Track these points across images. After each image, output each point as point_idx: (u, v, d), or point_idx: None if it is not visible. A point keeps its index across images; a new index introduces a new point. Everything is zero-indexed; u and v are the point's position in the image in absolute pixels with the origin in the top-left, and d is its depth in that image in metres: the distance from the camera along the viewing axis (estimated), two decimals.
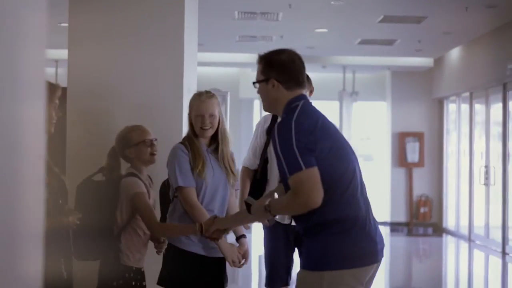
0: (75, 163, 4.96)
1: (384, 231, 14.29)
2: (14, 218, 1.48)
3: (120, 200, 4.12)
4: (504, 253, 10.92)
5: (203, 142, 4.19)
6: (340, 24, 10.95)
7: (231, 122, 11.39)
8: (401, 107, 14.85)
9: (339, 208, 3.11)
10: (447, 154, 14.21)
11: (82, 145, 5.01)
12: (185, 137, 4.22)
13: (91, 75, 5.10)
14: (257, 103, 15.50)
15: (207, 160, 4.13)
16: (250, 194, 4.91)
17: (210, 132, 4.17)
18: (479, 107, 12.40)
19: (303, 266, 3.21)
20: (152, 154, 4.22)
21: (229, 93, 9.56)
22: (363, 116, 15.95)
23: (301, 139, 3.06)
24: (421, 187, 14.69)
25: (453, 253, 12.47)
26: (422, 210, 14.57)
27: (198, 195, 4.08)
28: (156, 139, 4.26)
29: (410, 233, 14.13)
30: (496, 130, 11.58)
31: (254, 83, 3.33)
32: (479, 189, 12.17)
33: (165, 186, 4.37)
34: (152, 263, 4.45)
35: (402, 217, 14.75)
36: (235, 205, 4.39)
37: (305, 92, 4.82)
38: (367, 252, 3.15)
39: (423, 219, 14.55)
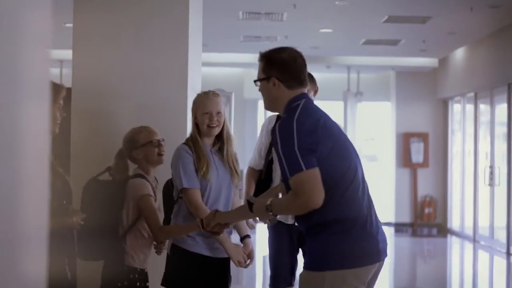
0: (79, 163, 4.96)
1: (389, 231, 14.27)
2: (19, 218, 1.48)
3: (127, 201, 4.12)
4: (508, 254, 10.90)
5: (207, 142, 4.18)
6: (344, 24, 10.95)
7: (235, 122, 11.40)
8: (405, 108, 14.83)
9: (339, 208, 3.10)
10: (452, 154, 14.20)
11: (86, 145, 5.01)
12: (188, 138, 4.21)
13: (95, 76, 5.10)
14: (262, 104, 15.39)
15: (211, 161, 4.13)
16: (255, 194, 4.91)
17: (217, 131, 4.16)
18: (483, 108, 12.38)
19: (305, 266, 3.21)
20: (160, 155, 4.23)
21: (233, 93, 9.58)
22: (368, 117, 15.93)
23: (303, 139, 3.05)
24: (425, 188, 14.67)
25: (458, 254, 12.45)
26: (426, 210, 14.55)
27: (202, 196, 4.08)
28: (163, 140, 4.26)
29: (414, 234, 14.11)
30: (501, 130, 11.56)
31: (255, 81, 3.32)
32: (483, 190, 12.15)
33: (168, 187, 4.37)
34: (154, 264, 4.45)
35: (406, 218, 14.74)
36: (239, 205, 4.38)
37: (308, 90, 4.85)
38: (368, 252, 3.15)
39: (428, 220, 14.53)
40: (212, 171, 4.10)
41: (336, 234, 3.10)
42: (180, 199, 4.13)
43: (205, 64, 9.46)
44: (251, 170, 5.19)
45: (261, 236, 11.86)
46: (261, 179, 5.09)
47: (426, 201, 14.58)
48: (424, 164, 14.65)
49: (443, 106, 14.63)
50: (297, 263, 5.02)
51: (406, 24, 10.63)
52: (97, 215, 4.04)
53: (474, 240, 12.53)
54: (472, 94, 12.82)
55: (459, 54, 13.19)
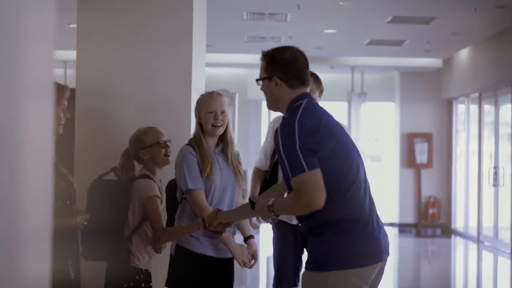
0: (83, 164, 4.97)
1: (393, 232, 14.26)
2: (22, 218, 1.48)
3: (133, 201, 4.12)
4: None
5: (210, 142, 4.18)
6: (348, 25, 10.94)
7: (239, 123, 11.40)
8: (409, 108, 14.82)
9: (341, 208, 3.10)
10: (456, 155, 14.18)
11: (90, 145, 5.01)
12: (191, 139, 4.21)
13: (99, 76, 5.10)
14: (265, 104, 15.45)
15: (215, 162, 4.13)
16: (260, 194, 4.92)
17: (221, 130, 4.16)
18: (488, 108, 12.37)
19: (307, 266, 3.20)
20: (166, 156, 4.23)
21: (237, 94, 9.58)
22: (372, 117, 15.92)
23: (304, 140, 3.04)
24: (429, 188, 14.65)
25: (462, 254, 12.43)
26: (430, 211, 14.54)
27: (206, 197, 4.08)
28: (169, 140, 4.27)
29: (418, 234, 14.10)
30: (505, 131, 11.55)
31: (257, 80, 3.31)
32: (488, 190, 12.14)
33: (171, 187, 4.37)
34: (156, 264, 4.46)
35: (410, 218, 14.72)
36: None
37: (313, 91, 4.85)
38: (370, 252, 3.15)
39: (432, 220, 14.52)
40: (216, 171, 4.10)
41: (338, 234, 3.10)
42: (184, 200, 4.13)
43: (209, 64, 9.47)
44: (257, 170, 5.21)
45: (264, 236, 11.85)
46: (267, 179, 5.11)
47: (430, 202, 14.57)
48: (428, 164, 14.63)
49: (447, 107, 14.61)
50: (301, 264, 5.02)
51: (410, 25, 10.62)
52: (102, 215, 4.04)
53: (478, 240, 12.51)
54: (476, 94, 12.80)
55: (464, 54, 13.18)
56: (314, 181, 3.02)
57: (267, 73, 3.26)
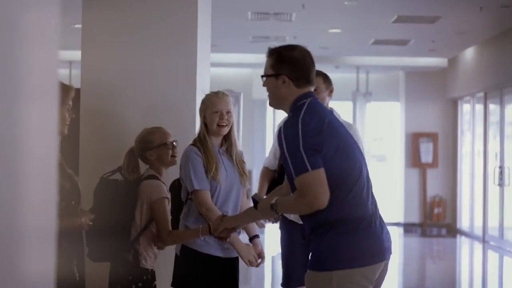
0: (88, 164, 4.97)
1: (398, 231, 14.24)
2: (26, 219, 1.48)
3: (140, 201, 4.11)
4: None
5: (215, 142, 4.18)
6: (353, 25, 10.93)
7: (244, 123, 11.40)
8: (415, 108, 14.81)
9: (345, 208, 3.10)
10: (461, 154, 14.16)
11: (95, 146, 5.02)
12: (196, 139, 4.21)
13: (104, 76, 5.10)
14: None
15: (220, 162, 4.13)
16: (267, 193, 4.92)
17: (226, 130, 4.16)
18: (493, 107, 12.35)
19: (311, 267, 3.19)
20: (173, 156, 4.23)
21: (242, 94, 9.56)
22: (377, 117, 15.90)
23: (308, 140, 3.04)
24: (435, 188, 14.64)
25: (467, 254, 12.42)
26: (436, 211, 14.52)
27: (212, 197, 4.08)
28: (176, 141, 4.26)
29: (423, 234, 14.08)
30: (510, 130, 11.53)
31: (262, 76, 3.29)
32: (493, 190, 12.12)
33: (175, 187, 4.37)
34: (161, 264, 4.46)
35: (415, 218, 14.71)
36: (247, 205, 4.36)
37: (323, 90, 4.85)
38: (374, 251, 3.15)
39: (437, 220, 14.50)
40: (221, 172, 4.10)
41: (341, 233, 3.10)
42: (190, 200, 4.12)
43: (214, 64, 9.47)
44: (265, 170, 5.22)
45: (269, 235, 11.85)
46: (275, 179, 5.13)
47: (435, 201, 14.55)
48: (434, 164, 14.62)
49: (453, 106, 14.59)
50: None
51: (415, 24, 10.61)
52: (108, 216, 4.04)
53: (484, 240, 12.49)
54: (481, 94, 12.78)
55: (469, 54, 13.16)
56: (318, 180, 3.02)
57: (274, 70, 3.24)
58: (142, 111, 5.00)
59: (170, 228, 4.11)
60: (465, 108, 14.07)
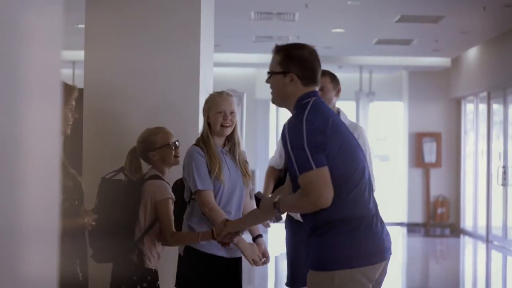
0: (91, 164, 4.97)
1: (401, 231, 14.23)
2: (29, 218, 1.48)
3: (144, 201, 4.11)
4: None
5: (218, 142, 4.18)
6: (356, 24, 10.93)
7: (247, 123, 11.40)
8: (418, 107, 14.79)
9: (347, 207, 3.09)
10: (465, 154, 14.15)
11: (98, 146, 5.02)
12: (199, 139, 4.21)
13: (107, 76, 5.10)
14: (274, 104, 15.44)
15: (223, 162, 4.13)
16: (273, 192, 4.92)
17: (229, 130, 4.16)
18: (497, 107, 12.33)
19: (312, 267, 3.18)
20: (176, 157, 4.22)
21: (245, 94, 9.57)
22: (380, 116, 15.89)
23: (312, 138, 3.03)
24: (438, 188, 14.62)
25: (471, 254, 12.40)
26: (439, 210, 14.50)
27: (215, 197, 4.08)
28: (178, 141, 4.26)
29: (427, 234, 14.07)
30: None
31: (269, 73, 3.26)
32: (497, 190, 12.10)
33: (178, 187, 4.37)
34: (164, 264, 4.46)
35: (419, 218, 14.69)
36: (251, 205, 4.36)
37: (330, 90, 4.84)
38: (375, 250, 3.14)
39: (440, 220, 14.49)
40: (224, 172, 4.10)
41: (343, 233, 3.09)
42: (193, 200, 4.12)
43: (217, 64, 9.47)
44: (271, 169, 5.21)
45: (273, 235, 11.85)
46: (281, 178, 5.13)
47: (438, 201, 14.54)
48: (437, 164, 14.60)
49: (456, 106, 14.58)
50: None
51: (418, 24, 10.60)
52: (112, 216, 4.03)
53: (487, 240, 12.48)
54: (485, 93, 12.77)
55: (472, 53, 13.14)
56: (322, 179, 3.01)
57: (282, 67, 3.22)
58: (145, 111, 5.00)
59: (174, 229, 4.10)
60: (468, 108, 14.06)
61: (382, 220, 3.24)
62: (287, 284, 5.08)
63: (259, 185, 13.45)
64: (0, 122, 1.40)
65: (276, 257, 9.89)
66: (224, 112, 4.13)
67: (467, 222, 13.85)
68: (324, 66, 3.40)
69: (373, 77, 15.30)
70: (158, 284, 4.18)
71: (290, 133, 3.08)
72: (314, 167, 3.00)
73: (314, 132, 3.05)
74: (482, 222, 12.86)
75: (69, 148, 3.53)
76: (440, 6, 9.55)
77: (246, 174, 4.22)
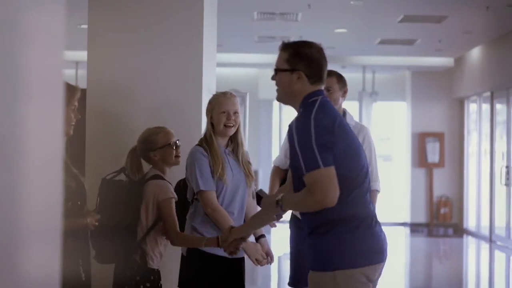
0: (94, 164, 4.97)
1: (404, 231, 14.23)
2: (32, 218, 1.48)
3: (146, 201, 4.11)
4: None
5: (221, 143, 4.18)
6: (359, 24, 10.92)
7: (250, 123, 11.40)
8: (421, 107, 14.78)
9: (349, 207, 3.08)
10: (468, 154, 14.13)
11: (101, 146, 5.02)
12: (202, 139, 4.20)
13: (110, 77, 5.11)
14: (276, 104, 15.47)
15: (226, 162, 4.13)
16: None
17: (233, 131, 4.16)
18: (500, 107, 12.32)
19: (312, 267, 3.16)
20: (177, 156, 4.22)
21: (248, 94, 9.56)
22: (383, 116, 15.88)
23: (320, 137, 3.01)
24: (441, 188, 14.61)
25: (474, 254, 12.39)
26: (442, 210, 14.49)
27: (218, 197, 4.08)
28: (179, 140, 4.26)
29: (430, 234, 14.06)
30: None
31: (276, 70, 3.23)
32: (500, 190, 12.09)
33: (181, 187, 4.37)
34: (167, 264, 4.46)
35: (422, 218, 14.68)
36: (253, 205, 4.35)
37: (336, 90, 4.82)
38: (375, 250, 3.14)
39: (444, 220, 14.47)
40: (227, 172, 4.10)
41: (344, 233, 3.09)
42: (196, 200, 4.12)
43: (220, 64, 9.47)
44: (276, 169, 5.20)
45: (276, 235, 11.84)
46: (286, 178, 5.12)
47: (442, 201, 14.52)
48: (440, 164, 14.59)
49: (459, 106, 14.56)
50: None
51: (421, 24, 10.59)
52: (113, 217, 4.03)
53: (491, 240, 12.47)
54: (488, 93, 12.76)
55: (475, 53, 13.13)
56: (329, 178, 2.99)
57: (289, 65, 3.20)
58: (148, 111, 5.00)
59: (178, 229, 4.10)
60: (471, 108, 14.04)
61: (379, 222, 3.25)
62: (289, 284, 5.08)
63: (262, 185, 13.44)
64: (3, 122, 1.41)
65: (279, 257, 9.89)
66: (227, 112, 4.13)
67: (470, 222, 13.83)
68: (327, 66, 3.38)
69: (376, 77, 15.29)
70: (161, 284, 4.17)
71: (298, 131, 3.05)
72: (321, 166, 2.98)
73: (322, 131, 3.03)
74: (485, 222, 12.84)
75: (72, 148, 3.54)
76: (443, 6, 9.54)
77: (249, 174, 4.21)
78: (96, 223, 3.70)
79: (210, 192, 4.04)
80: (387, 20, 10.42)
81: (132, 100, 5.05)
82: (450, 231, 14.30)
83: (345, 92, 4.90)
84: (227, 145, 4.21)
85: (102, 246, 4.07)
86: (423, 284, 9.38)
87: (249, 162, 4.26)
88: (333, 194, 3.00)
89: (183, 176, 4.31)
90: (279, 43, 3.35)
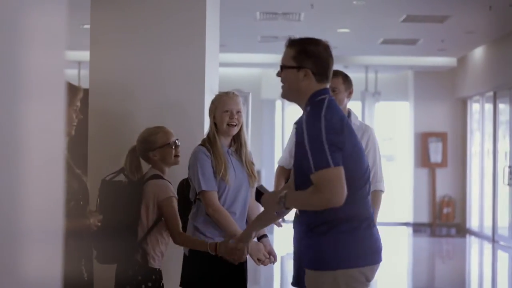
0: (96, 164, 4.98)
1: (407, 231, 14.22)
2: (33, 219, 1.48)
3: (146, 201, 4.11)
4: None
5: (224, 143, 4.18)
6: (362, 24, 10.92)
7: (253, 123, 11.40)
8: (424, 107, 14.77)
9: (351, 207, 3.07)
10: (471, 154, 14.12)
11: (104, 146, 5.02)
12: (204, 139, 4.20)
13: (112, 76, 5.11)
14: (279, 104, 15.47)
15: (228, 162, 4.12)
16: None
17: (236, 130, 4.16)
18: (503, 107, 12.31)
19: (311, 266, 3.15)
20: (177, 156, 4.22)
21: (251, 93, 9.56)
22: (386, 116, 15.87)
23: (331, 137, 2.99)
24: (444, 188, 14.60)
25: (477, 254, 12.38)
26: (445, 210, 14.48)
27: (220, 198, 4.08)
28: (177, 139, 4.26)
29: (433, 234, 14.05)
30: None
31: (282, 66, 3.20)
32: (503, 190, 12.08)
33: (184, 187, 4.37)
34: (169, 263, 4.46)
35: (425, 218, 14.67)
36: (255, 205, 4.35)
37: (342, 91, 4.80)
38: (374, 251, 3.14)
39: (446, 220, 14.46)
40: (230, 172, 4.10)
41: (345, 232, 3.08)
42: (198, 200, 4.13)
43: (223, 64, 9.48)
44: (281, 168, 5.18)
45: (279, 235, 11.84)
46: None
47: (444, 201, 14.51)
48: (443, 164, 14.58)
49: (462, 106, 14.55)
50: None
51: (424, 24, 10.58)
52: (114, 217, 4.03)
53: (493, 240, 12.45)
54: (491, 93, 12.74)
55: (478, 53, 13.12)
56: (338, 177, 2.96)
57: (296, 62, 3.17)
58: (151, 111, 5.01)
59: (181, 228, 4.10)
60: (474, 108, 14.03)
61: (375, 223, 3.26)
62: (293, 284, 5.08)
63: (265, 185, 13.42)
64: (4, 122, 1.41)
65: (282, 257, 9.88)
66: (230, 111, 4.13)
67: (473, 222, 13.82)
68: (333, 64, 3.35)
69: (379, 77, 15.29)
70: (163, 284, 4.18)
71: (308, 127, 3.02)
72: (332, 165, 2.96)
73: (332, 130, 3.01)
74: (488, 222, 12.83)
75: (74, 148, 3.54)
76: (446, 6, 9.53)
77: (251, 175, 4.21)
78: (99, 223, 3.70)
79: (211, 193, 4.04)
80: (390, 20, 10.41)
81: (135, 100, 5.05)
82: (453, 231, 14.29)
83: (350, 93, 4.86)
84: (230, 145, 4.21)
85: (103, 247, 4.07)
86: (425, 284, 9.37)
87: (252, 163, 4.25)
88: (341, 194, 2.97)
89: (185, 176, 4.31)
90: (282, 43, 3.34)
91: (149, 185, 4.12)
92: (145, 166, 4.29)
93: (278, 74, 3.22)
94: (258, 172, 4.17)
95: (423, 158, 14.65)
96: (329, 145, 2.98)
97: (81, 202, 3.67)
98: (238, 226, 4.04)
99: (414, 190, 14.76)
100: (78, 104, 3.60)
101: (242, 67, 14.53)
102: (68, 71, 12.86)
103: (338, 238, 3.08)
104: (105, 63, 5.13)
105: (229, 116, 4.12)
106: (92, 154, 5.05)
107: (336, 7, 9.68)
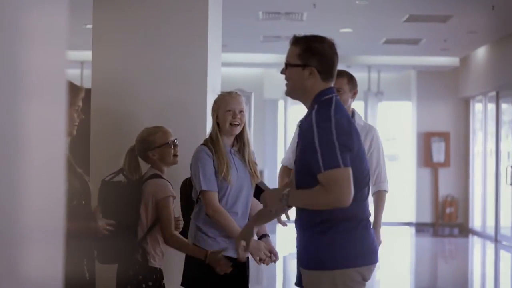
0: (98, 163, 4.98)
1: (410, 231, 14.21)
2: (34, 218, 1.48)
3: (145, 201, 4.11)
4: None
5: (227, 142, 4.18)
6: (365, 24, 10.91)
7: (255, 123, 11.40)
8: (426, 107, 14.76)
9: (353, 207, 3.04)
10: (473, 154, 14.11)
11: (106, 145, 5.02)
12: (207, 139, 4.20)
13: (114, 76, 5.11)
14: (282, 104, 15.47)
15: (231, 162, 4.12)
16: None
17: (238, 129, 4.16)
18: (505, 107, 12.30)
19: (308, 266, 3.14)
20: (175, 156, 4.22)
21: (253, 93, 9.56)
22: (388, 116, 15.86)
23: (341, 137, 2.98)
24: (446, 188, 14.59)
25: (479, 254, 12.37)
26: (448, 210, 14.47)
27: (222, 198, 4.07)
28: (176, 139, 4.26)
29: (435, 234, 14.04)
30: None
31: (286, 64, 3.17)
32: (505, 189, 12.07)
33: (186, 186, 4.37)
34: (170, 263, 4.46)
35: (427, 218, 14.66)
36: (257, 206, 4.34)
37: (346, 91, 4.78)
38: (371, 251, 3.15)
39: (449, 220, 14.45)
40: (232, 172, 4.10)
41: (343, 232, 3.07)
42: (200, 200, 4.13)
43: (225, 64, 9.47)
44: (284, 168, 5.16)
45: (281, 235, 11.85)
46: None
47: (447, 201, 14.50)
48: (445, 163, 14.57)
49: (465, 105, 14.54)
50: None
51: (426, 23, 10.57)
52: (114, 217, 4.03)
53: (496, 240, 12.44)
54: (493, 93, 12.73)
55: (481, 53, 13.11)
56: (347, 178, 2.95)
57: (301, 60, 3.13)
58: (153, 111, 5.01)
59: (173, 230, 4.10)
60: (477, 107, 14.02)
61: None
62: (296, 284, 5.07)
63: (266, 185, 13.42)
64: (5, 122, 1.41)
65: (285, 257, 9.88)
66: (233, 110, 4.13)
67: (475, 222, 13.81)
68: (338, 62, 3.31)
69: (382, 76, 15.28)
70: (163, 283, 4.18)
71: (319, 126, 2.99)
72: (342, 165, 2.94)
73: (342, 131, 3.00)
74: (490, 222, 12.82)
75: (76, 148, 3.54)
76: (449, 6, 9.52)
77: (254, 175, 4.21)
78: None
79: (212, 193, 4.04)
80: (392, 19, 10.41)
81: (137, 100, 5.05)
82: (456, 231, 14.28)
83: (355, 93, 4.82)
84: (233, 145, 4.20)
85: (103, 247, 4.07)
86: (428, 284, 9.37)
87: (255, 163, 4.25)
88: (349, 195, 2.95)
89: (187, 176, 4.31)
90: (284, 43, 3.32)
91: (148, 184, 4.13)
92: (145, 166, 4.29)
93: (283, 72, 3.19)
94: (261, 172, 4.17)
95: (425, 158, 14.64)
96: (340, 146, 2.96)
97: (83, 202, 3.68)
98: (238, 226, 4.03)
99: (416, 190, 14.75)
100: (80, 104, 3.60)
101: (245, 67, 14.53)
102: (71, 71, 12.87)
103: (335, 238, 3.07)
104: (107, 63, 5.14)
105: (232, 115, 4.12)
106: (94, 154, 5.05)
107: (339, 7, 9.68)
